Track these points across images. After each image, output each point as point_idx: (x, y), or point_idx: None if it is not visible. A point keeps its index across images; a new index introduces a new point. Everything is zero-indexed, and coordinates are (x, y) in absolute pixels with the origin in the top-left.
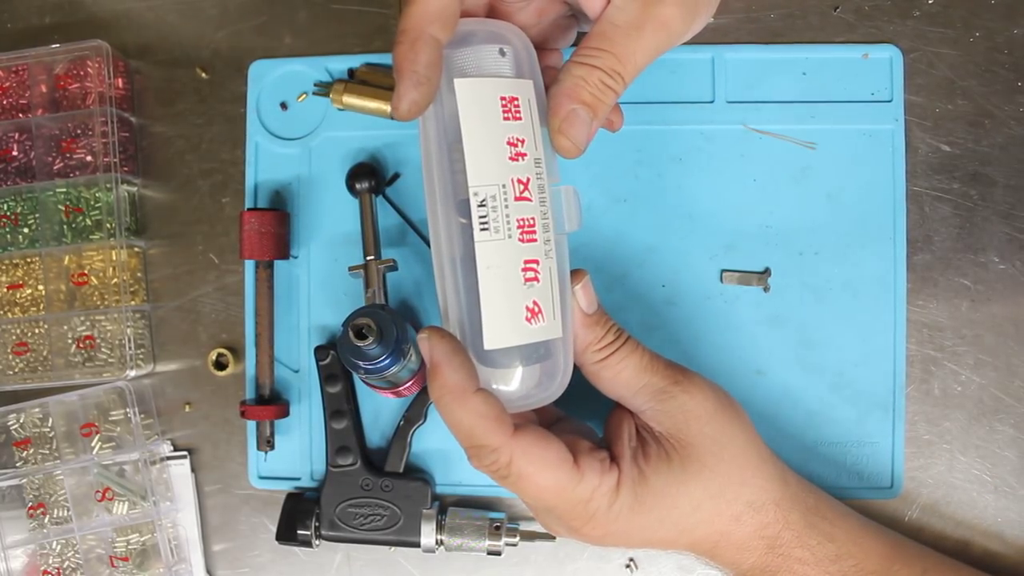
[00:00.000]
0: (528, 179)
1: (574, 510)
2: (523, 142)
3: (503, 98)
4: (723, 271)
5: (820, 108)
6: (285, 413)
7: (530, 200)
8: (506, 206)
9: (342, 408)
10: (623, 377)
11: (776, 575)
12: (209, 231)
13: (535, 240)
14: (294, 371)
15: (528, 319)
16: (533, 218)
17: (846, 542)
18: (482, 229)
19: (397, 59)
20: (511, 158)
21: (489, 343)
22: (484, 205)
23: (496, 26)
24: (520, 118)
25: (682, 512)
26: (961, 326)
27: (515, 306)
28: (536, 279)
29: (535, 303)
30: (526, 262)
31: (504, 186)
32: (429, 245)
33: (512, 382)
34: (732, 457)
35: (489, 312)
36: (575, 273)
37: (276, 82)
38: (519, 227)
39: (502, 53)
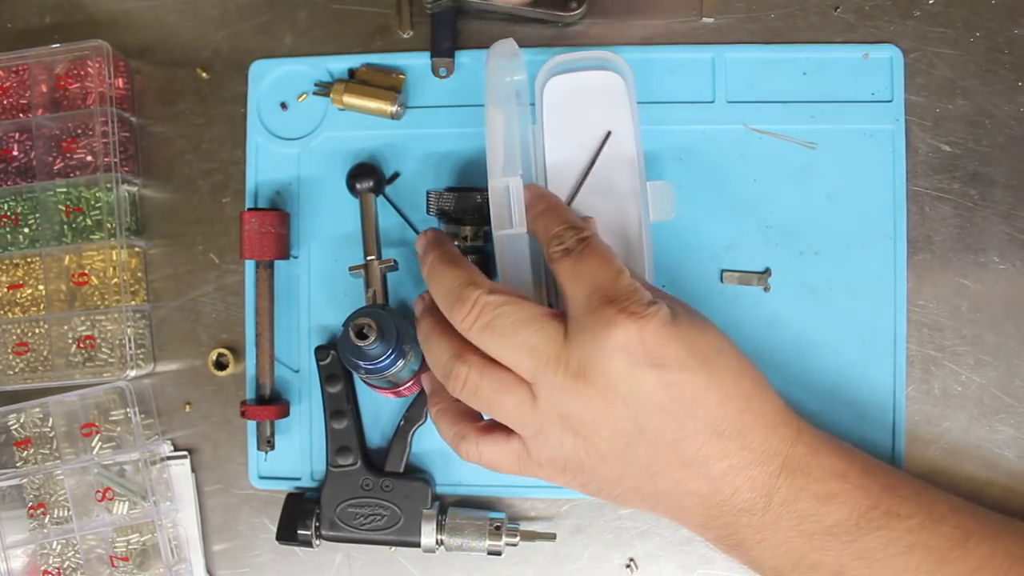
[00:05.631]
0: None
1: (621, 295)
2: None
3: None
4: (723, 271)
5: (820, 108)
6: (285, 413)
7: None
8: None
9: (342, 408)
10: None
11: (809, 474)
12: (209, 231)
13: None
14: (294, 371)
15: None
16: None
17: (853, 455)
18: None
19: None
20: None
21: None
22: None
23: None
24: None
25: (710, 349)
26: (961, 326)
27: None
28: None
29: None
30: None
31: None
32: None
33: None
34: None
35: None
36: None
37: (276, 82)
38: None
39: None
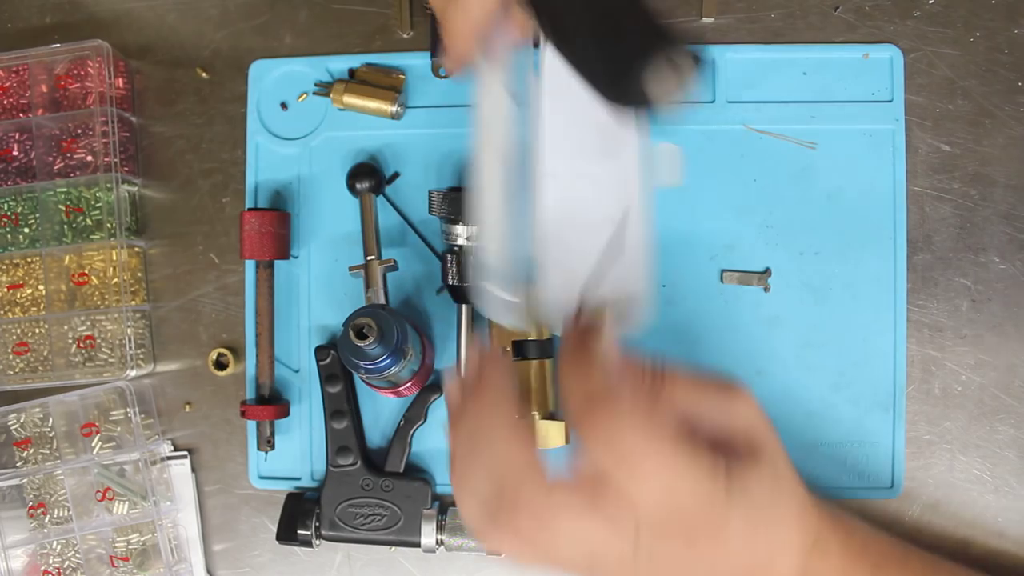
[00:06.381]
0: None
1: (694, 504)
2: None
3: None
4: (723, 271)
5: (820, 108)
6: (285, 413)
7: None
8: None
9: (342, 408)
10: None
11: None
12: (209, 231)
13: None
14: (294, 371)
15: None
16: None
17: (862, 537)
18: None
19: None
20: None
21: None
22: None
23: None
24: None
25: (781, 510)
26: (961, 326)
27: None
28: None
29: None
30: None
31: None
32: (429, 245)
33: None
34: (782, 451)
35: None
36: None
37: (276, 82)
38: None
39: None
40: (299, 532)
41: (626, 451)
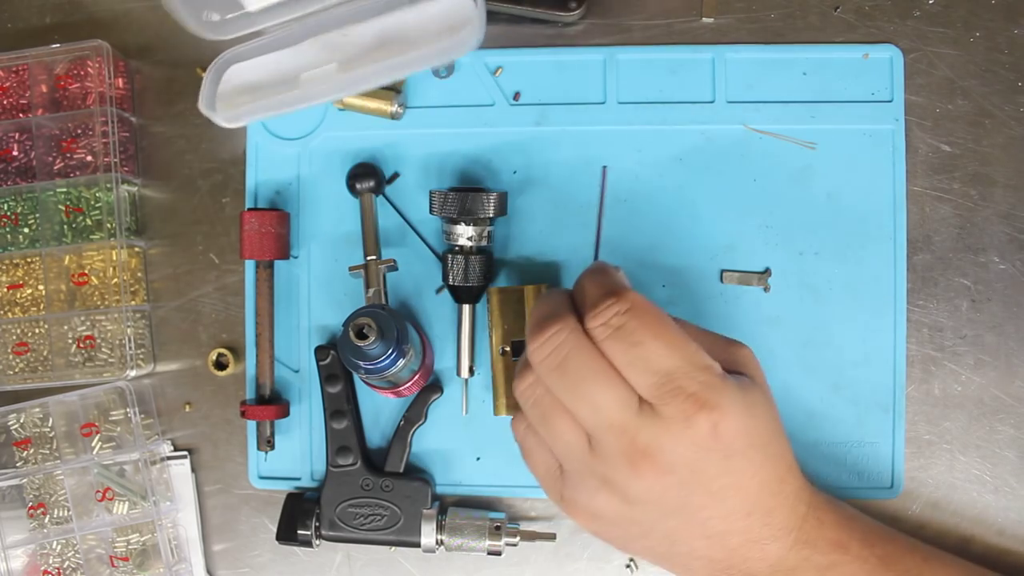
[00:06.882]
0: None
1: (693, 370)
2: None
3: None
4: (723, 271)
5: (820, 108)
6: (285, 413)
7: None
8: None
9: (342, 408)
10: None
11: (815, 546)
12: (209, 231)
13: None
14: (294, 371)
15: None
16: None
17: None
18: None
19: None
20: None
21: None
22: None
23: None
24: None
25: (767, 435)
26: (961, 326)
27: None
28: None
29: None
30: None
31: None
32: (429, 245)
33: None
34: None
35: None
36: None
37: None
38: None
39: None
40: (299, 532)
41: (631, 327)
